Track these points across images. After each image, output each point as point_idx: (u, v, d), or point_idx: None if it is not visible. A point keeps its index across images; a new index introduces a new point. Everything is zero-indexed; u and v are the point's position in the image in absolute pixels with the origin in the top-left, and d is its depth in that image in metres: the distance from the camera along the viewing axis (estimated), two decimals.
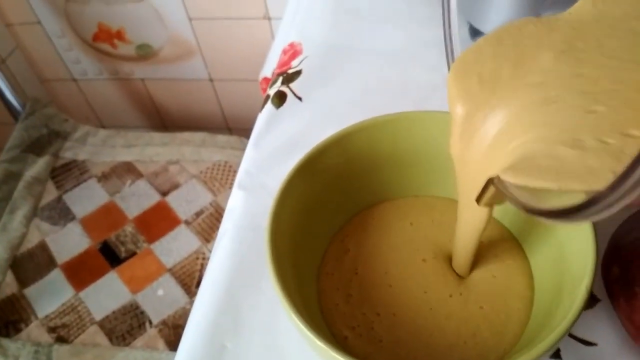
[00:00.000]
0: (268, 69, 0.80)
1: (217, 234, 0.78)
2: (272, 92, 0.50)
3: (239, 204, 0.42)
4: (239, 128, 1.12)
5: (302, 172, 0.33)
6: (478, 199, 0.26)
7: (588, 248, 0.28)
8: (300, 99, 0.49)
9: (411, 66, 0.51)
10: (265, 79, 0.81)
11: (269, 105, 0.49)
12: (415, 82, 0.49)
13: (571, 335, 0.33)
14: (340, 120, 0.43)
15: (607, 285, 0.33)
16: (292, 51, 0.53)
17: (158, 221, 0.82)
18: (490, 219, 0.27)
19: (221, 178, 0.86)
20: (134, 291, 0.74)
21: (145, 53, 1.01)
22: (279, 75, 0.52)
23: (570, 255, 0.29)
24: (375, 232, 0.35)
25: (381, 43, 0.53)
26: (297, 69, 0.51)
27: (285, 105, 0.49)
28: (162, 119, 1.15)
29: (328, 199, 0.34)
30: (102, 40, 1.00)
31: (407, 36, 0.53)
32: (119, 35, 0.99)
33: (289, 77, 0.50)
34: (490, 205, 0.27)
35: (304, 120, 0.47)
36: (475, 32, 0.50)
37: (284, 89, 0.50)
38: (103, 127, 0.96)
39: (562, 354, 0.33)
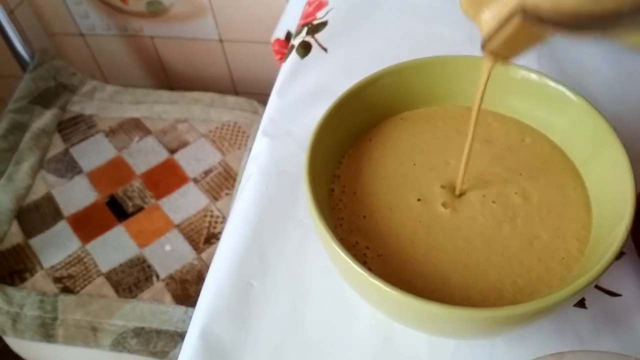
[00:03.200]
0: (281, 30, 0.79)
1: (225, 193, 0.78)
2: (296, 42, 0.50)
3: (264, 149, 0.42)
4: (247, 92, 1.11)
5: (337, 111, 0.33)
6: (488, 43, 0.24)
7: (626, 189, 0.28)
8: (325, 49, 0.48)
9: (436, 21, 0.50)
10: (278, 40, 0.80)
11: (294, 54, 0.48)
12: (439, 37, 0.49)
13: (597, 286, 0.34)
14: (364, 72, 0.43)
15: (637, 241, 0.34)
16: (317, 2, 0.52)
17: (166, 178, 0.81)
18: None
19: (230, 138, 0.85)
20: (142, 245, 0.74)
21: (155, 9, 1.00)
22: (303, 25, 0.51)
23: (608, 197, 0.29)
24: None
25: None
26: (323, 20, 0.50)
27: (310, 55, 0.48)
28: (169, 79, 1.14)
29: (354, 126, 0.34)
30: None
31: None
32: None
33: (314, 28, 0.50)
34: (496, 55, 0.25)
35: (328, 71, 0.47)
36: None
37: (309, 39, 0.49)
38: (108, 84, 0.94)
39: (587, 303, 0.33)
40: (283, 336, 0.33)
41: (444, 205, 0.31)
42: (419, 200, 0.31)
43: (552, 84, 0.32)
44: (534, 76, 0.33)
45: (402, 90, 0.35)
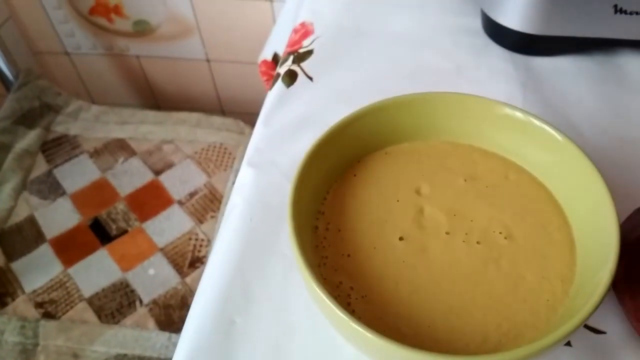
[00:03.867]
0: (268, 52, 0.79)
1: (210, 216, 0.77)
2: (282, 70, 0.50)
3: (249, 180, 0.41)
4: (234, 111, 1.11)
5: (321, 148, 0.32)
6: None
7: (610, 230, 0.28)
8: (311, 78, 0.48)
9: (422, 51, 0.50)
10: (265, 62, 0.80)
11: (280, 83, 0.48)
12: (426, 66, 0.49)
13: None
14: (350, 101, 0.43)
15: (618, 278, 0.34)
16: (304, 30, 0.52)
17: (150, 200, 0.80)
18: None
19: (216, 160, 0.85)
20: (125, 269, 0.73)
21: (142, 29, 1.00)
22: (289, 54, 0.51)
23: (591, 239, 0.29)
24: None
25: (393, 26, 0.53)
26: (309, 48, 0.50)
27: (295, 84, 0.48)
28: (155, 98, 1.13)
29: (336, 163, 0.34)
30: (99, 14, 0.98)
31: (419, 20, 0.53)
32: (117, 10, 0.97)
33: (300, 57, 0.50)
34: None
35: (314, 100, 0.47)
36: (489, 23, 0.50)
37: (295, 68, 0.49)
38: (94, 103, 0.94)
39: (572, 341, 0.33)
40: None
41: (428, 245, 0.31)
42: (401, 239, 0.31)
43: (537, 122, 0.32)
44: (519, 114, 0.33)
45: (386, 126, 0.35)
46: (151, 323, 0.68)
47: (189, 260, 0.74)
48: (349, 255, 0.31)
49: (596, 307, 0.26)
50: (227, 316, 0.34)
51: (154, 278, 0.72)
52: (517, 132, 0.33)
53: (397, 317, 0.28)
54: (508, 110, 0.33)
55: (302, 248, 0.28)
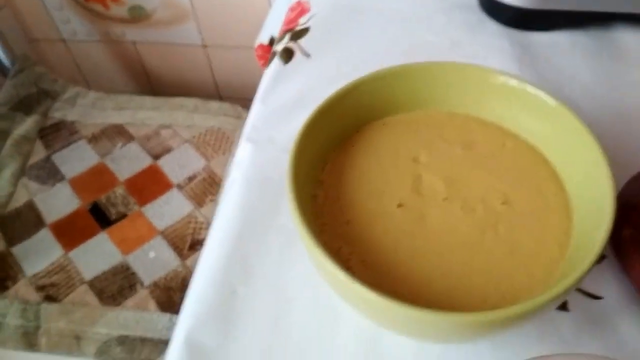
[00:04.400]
0: (265, 36, 0.79)
1: (209, 199, 0.78)
2: (279, 48, 0.50)
3: (247, 156, 0.42)
4: (231, 97, 1.11)
5: (320, 117, 0.33)
6: None
7: (606, 193, 0.28)
8: (308, 55, 0.48)
9: (419, 28, 0.51)
10: (261, 46, 0.80)
11: (277, 60, 0.48)
12: (423, 43, 0.49)
13: (579, 290, 0.34)
14: (347, 78, 0.43)
15: (617, 246, 0.34)
16: (300, 9, 0.53)
17: (149, 184, 0.81)
18: None
19: (214, 144, 0.85)
20: (125, 252, 0.74)
21: (138, 15, 0.99)
22: (286, 32, 0.51)
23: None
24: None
25: (388, 3, 0.53)
26: (305, 26, 0.51)
27: (292, 61, 0.48)
28: (152, 85, 1.13)
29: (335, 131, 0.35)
30: (95, 0, 0.98)
31: None
32: None
33: (297, 34, 0.50)
34: None
35: (311, 77, 0.47)
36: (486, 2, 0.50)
37: (292, 45, 0.49)
38: (90, 90, 0.94)
39: (570, 306, 0.34)
40: (268, 343, 0.33)
41: (426, 211, 0.31)
42: (400, 206, 0.31)
43: (531, 89, 0.33)
44: (513, 82, 0.33)
45: (384, 96, 0.35)
46: (152, 305, 0.69)
47: (189, 243, 0.74)
48: (348, 222, 0.31)
49: (591, 267, 0.26)
50: (228, 286, 0.35)
51: (154, 261, 0.73)
52: (512, 100, 0.33)
53: (396, 281, 0.29)
54: (503, 78, 0.33)
55: (302, 213, 0.28)
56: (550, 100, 0.32)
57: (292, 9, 0.54)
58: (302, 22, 0.51)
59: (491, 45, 0.49)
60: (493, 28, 0.50)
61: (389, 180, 0.33)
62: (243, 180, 0.40)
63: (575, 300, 0.34)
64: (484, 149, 0.34)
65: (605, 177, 0.28)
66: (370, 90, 0.34)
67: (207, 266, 0.36)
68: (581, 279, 0.26)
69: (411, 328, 0.28)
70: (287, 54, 0.48)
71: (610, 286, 0.34)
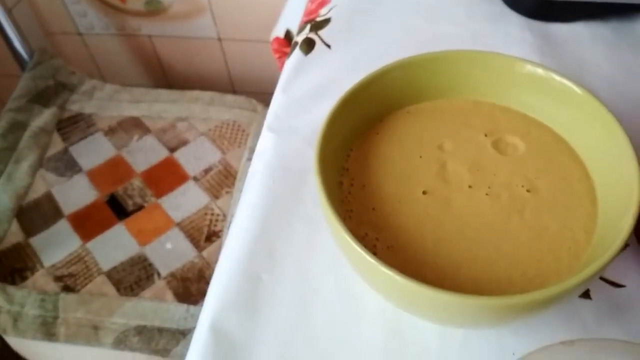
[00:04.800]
0: (280, 29, 0.79)
1: (225, 191, 0.78)
2: (300, 39, 0.50)
3: (270, 146, 0.42)
4: (245, 91, 1.12)
5: (345, 105, 0.33)
6: None
7: (632, 180, 0.28)
8: (329, 46, 0.49)
9: (439, 19, 0.51)
10: (277, 39, 0.80)
11: (298, 51, 0.49)
12: (443, 35, 0.49)
13: (601, 278, 0.34)
14: (368, 69, 0.43)
15: (638, 232, 0.34)
16: (320, 0, 0.53)
17: (166, 176, 0.81)
18: None
19: (230, 137, 0.86)
20: (142, 244, 0.74)
21: (154, 8, 1.00)
22: (306, 22, 0.51)
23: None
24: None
25: None
26: (326, 17, 0.51)
27: (313, 52, 0.48)
28: (167, 78, 1.14)
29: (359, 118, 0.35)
30: None
31: None
32: None
33: (318, 25, 0.50)
34: None
35: (332, 68, 0.47)
36: None
37: (313, 36, 0.49)
38: (107, 83, 0.95)
39: (592, 294, 0.34)
40: (293, 330, 0.33)
41: (451, 198, 0.31)
42: (425, 192, 0.32)
43: (557, 77, 0.33)
44: (540, 70, 0.33)
45: (409, 85, 0.35)
46: (169, 295, 0.70)
47: (205, 234, 0.75)
48: (373, 209, 0.31)
49: (616, 254, 0.26)
50: (254, 273, 0.35)
51: (171, 252, 0.73)
52: (538, 89, 0.33)
53: (422, 266, 0.29)
54: (529, 67, 0.33)
55: (329, 199, 0.29)
56: (577, 88, 0.32)
57: (312, 0, 0.54)
58: (322, 13, 0.51)
59: (512, 36, 0.49)
60: (514, 19, 0.50)
61: (413, 167, 0.33)
62: (265, 170, 0.41)
63: (598, 288, 0.34)
64: (508, 137, 0.34)
65: (632, 166, 0.28)
66: (395, 78, 0.35)
67: (231, 253, 0.37)
68: (606, 265, 0.26)
69: (437, 312, 0.28)
70: (308, 45, 0.49)
71: (632, 274, 0.34)
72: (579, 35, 0.49)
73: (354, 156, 0.34)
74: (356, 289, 0.34)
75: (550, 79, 0.33)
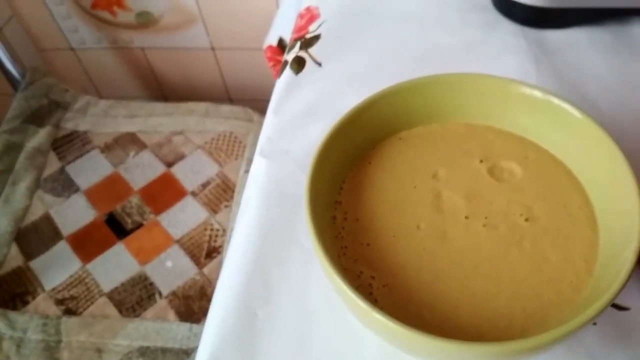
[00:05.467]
0: (273, 37, 0.78)
1: (224, 205, 0.77)
2: (290, 57, 0.49)
3: (262, 171, 0.41)
4: (241, 99, 1.11)
5: (335, 138, 0.32)
6: None
7: (633, 207, 0.27)
8: (319, 64, 0.48)
9: (431, 29, 0.50)
10: (270, 47, 0.79)
11: (288, 70, 0.48)
12: (436, 45, 0.48)
13: None
14: (360, 86, 0.42)
15: None
16: (309, 15, 0.52)
17: (164, 192, 0.80)
18: None
19: (227, 149, 0.85)
20: (143, 262, 0.74)
21: (145, 21, 0.99)
22: (296, 40, 0.50)
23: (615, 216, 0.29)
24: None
25: (399, 6, 0.52)
26: (316, 33, 0.50)
27: (304, 70, 0.47)
28: (162, 89, 1.13)
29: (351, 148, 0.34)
30: (101, 7, 0.97)
31: (427, 0, 0.52)
32: (119, 3, 0.96)
33: (308, 42, 0.49)
34: None
35: (324, 86, 0.46)
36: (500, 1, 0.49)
37: (303, 54, 0.48)
38: (101, 97, 0.94)
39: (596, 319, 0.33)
40: None
41: (447, 230, 0.30)
42: (420, 225, 0.31)
43: (556, 101, 0.32)
44: (537, 93, 0.32)
45: (400, 110, 0.34)
46: (171, 314, 0.69)
47: (206, 250, 0.74)
48: (368, 244, 0.30)
49: (622, 287, 0.25)
50: (249, 308, 0.35)
51: (171, 270, 0.73)
52: (535, 111, 0.32)
53: (420, 305, 0.28)
54: (526, 89, 0.32)
55: (321, 239, 0.28)
56: (576, 112, 0.31)
57: (301, 16, 0.53)
58: (312, 30, 0.50)
59: (507, 45, 0.48)
60: (508, 27, 0.49)
61: (408, 198, 0.32)
62: (259, 197, 0.40)
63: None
64: (504, 162, 0.33)
65: (633, 193, 0.28)
66: (386, 105, 0.34)
67: (227, 288, 0.36)
68: (612, 300, 0.25)
69: (435, 356, 0.27)
70: (299, 64, 0.48)
71: (636, 296, 0.33)
72: (575, 41, 0.48)
73: (347, 188, 0.33)
74: (354, 321, 0.33)
75: (549, 102, 0.32)
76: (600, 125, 0.30)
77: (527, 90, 0.32)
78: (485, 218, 0.30)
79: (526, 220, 0.30)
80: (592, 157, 0.31)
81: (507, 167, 0.33)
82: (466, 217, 0.31)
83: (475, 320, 0.27)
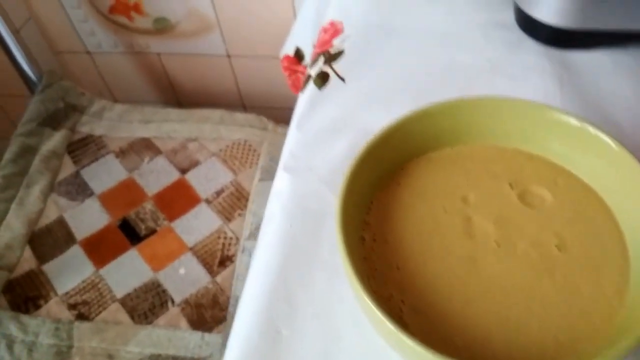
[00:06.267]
0: (290, 47, 0.78)
1: (237, 214, 0.77)
2: (313, 72, 0.49)
3: (286, 187, 0.41)
4: (255, 106, 1.11)
5: (364, 159, 0.32)
6: None
7: None
8: (343, 79, 0.48)
9: (454, 47, 0.50)
10: (287, 57, 0.80)
11: (311, 85, 0.48)
12: (459, 64, 0.48)
13: None
14: (384, 103, 0.42)
15: None
16: (333, 30, 0.52)
17: (178, 199, 0.81)
18: None
19: (241, 157, 0.85)
20: (156, 269, 0.74)
21: (162, 27, 0.99)
22: (319, 54, 0.50)
23: None
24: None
25: (423, 23, 0.52)
26: (340, 48, 0.50)
27: (327, 86, 0.47)
28: (177, 95, 1.13)
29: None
30: (119, 12, 0.98)
31: (451, 17, 0.52)
32: (137, 8, 0.96)
33: (331, 57, 0.49)
34: None
35: (347, 103, 0.46)
36: (523, 18, 0.49)
37: (327, 69, 0.48)
38: (116, 101, 0.94)
39: None
40: None
41: (478, 256, 0.30)
42: (451, 250, 0.31)
43: (592, 130, 0.31)
44: (574, 121, 0.32)
45: (429, 131, 0.34)
46: (184, 322, 0.69)
47: (219, 259, 0.74)
48: (398, 268, 0.30)
49: None
50: (273, 327, 0.34)
51: (184, 277, 0.73)
52: (568, 137, 0.32)
53: (450, 330, 0.28)
54: (562, 116, 0.32)
55: (352, 262, 0.28)
56: (612, 143, 0.31)
57: (325, 30, 0.53)
58: (336, 44, 0.50)
59: (531, 65, 0.48)
60: (532, 47, 0.49)
61: (438, 221, 0.32)
62: (283, 212, 0.40)
63: None
64: (534, 187, 0.33)
65: None
66: (416, 126, 0.34)
67: (250, 305, 0.36)
68: None
69: None
70: (322, 79, 0.48)
71: None
72: (599, 63, 0.48)
73: (375, 208, 0.33)
74: (380, 341, 0.33)
75: (585, 130, 0.32)
76: (634, 156, 0.30)
77: (564, 118, 0.32)
78: (516, 245, 0.30)
79: (557, 248, 0.30)
80: (624, 185, 0.31)
81: (537, 193, 0.32)
82: (497, 244, 0.31)
83: (506, 347, 0.27)
